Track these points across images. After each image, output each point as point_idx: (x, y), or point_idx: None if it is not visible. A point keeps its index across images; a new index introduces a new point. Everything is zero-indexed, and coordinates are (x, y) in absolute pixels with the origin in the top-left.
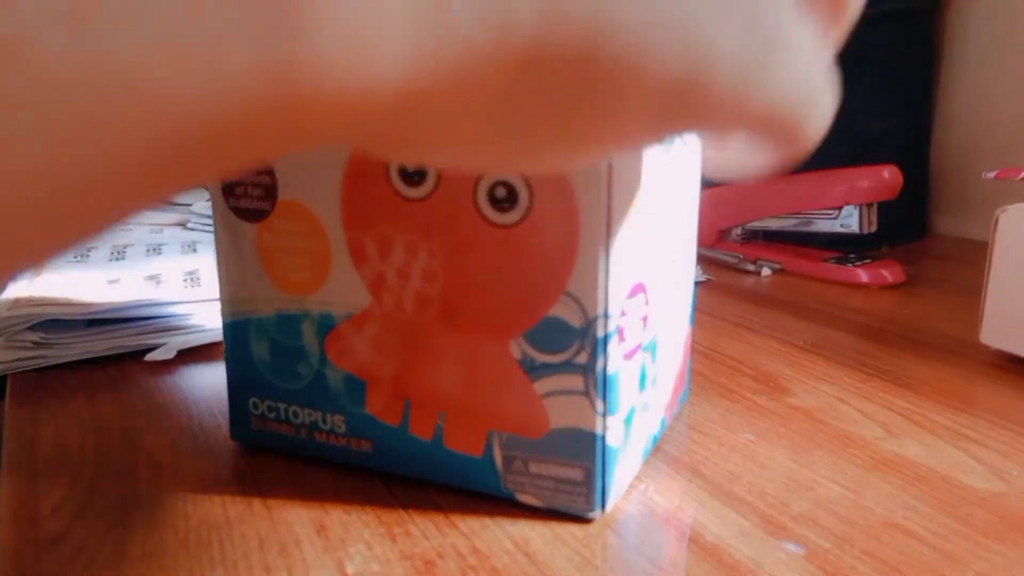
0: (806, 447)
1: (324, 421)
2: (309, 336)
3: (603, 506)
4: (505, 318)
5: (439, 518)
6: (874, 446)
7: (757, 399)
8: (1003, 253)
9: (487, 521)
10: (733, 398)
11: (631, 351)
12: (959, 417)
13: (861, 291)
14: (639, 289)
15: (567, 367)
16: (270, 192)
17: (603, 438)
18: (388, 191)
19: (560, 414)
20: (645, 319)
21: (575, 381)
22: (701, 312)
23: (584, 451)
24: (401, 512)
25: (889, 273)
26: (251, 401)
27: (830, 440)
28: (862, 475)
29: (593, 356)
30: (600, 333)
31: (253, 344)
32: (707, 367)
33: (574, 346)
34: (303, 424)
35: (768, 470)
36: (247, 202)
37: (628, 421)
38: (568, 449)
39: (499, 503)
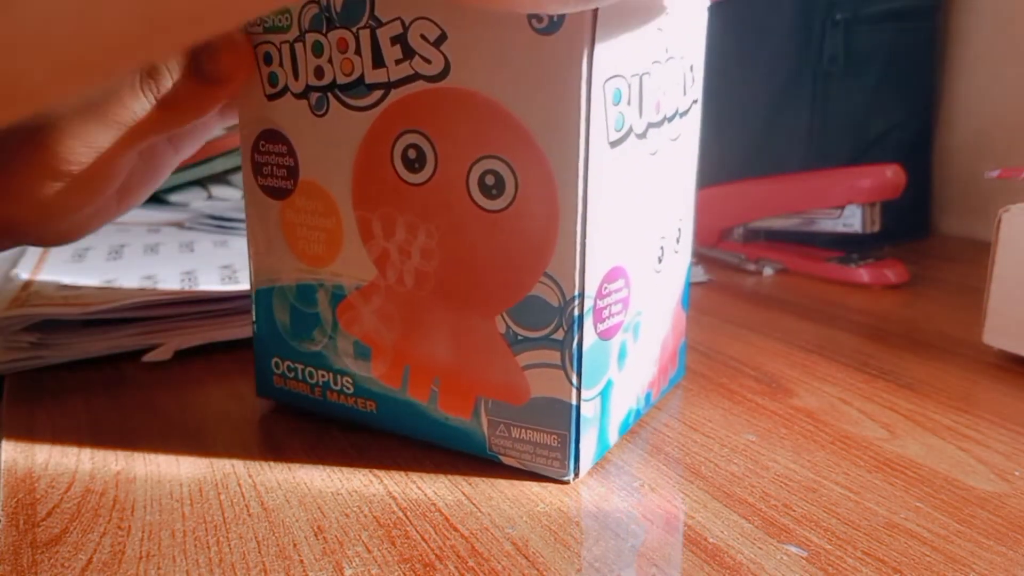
0: (808, 448)
1: (335, 382)
2: (323, 304)
3: (576, 470)
4: (491, 295)
5: (438, 520)
6: (876, 447)
7: (759, 400)
8: (1006, 253)
9: (487, 524)
10: (735, 399)
11: (610, 330)
12: (961, 418)
13: (864, 291)
14: (619, 273)
15: (546, 342)
16: (292, 172)
17: (578, 408)
18: (392, 175)
19: (539, 384)
20: (625, 301)
21: (553, 355)
22: (702, 312)
23: (560, 419)
24: (400, 514)
25: (892, 273)
26: (273, 361)
27: (832, 441)
28: (864, 476)
29: (569, 333)
30: (576, 312)
31: (276, 309)
32: (708, 367)
33: (552, 323)
34: (317, 384)
35: (770, 471)
36: (273, 181)
37: (605, 394)
38: (546, 417)
39: (499, 504)
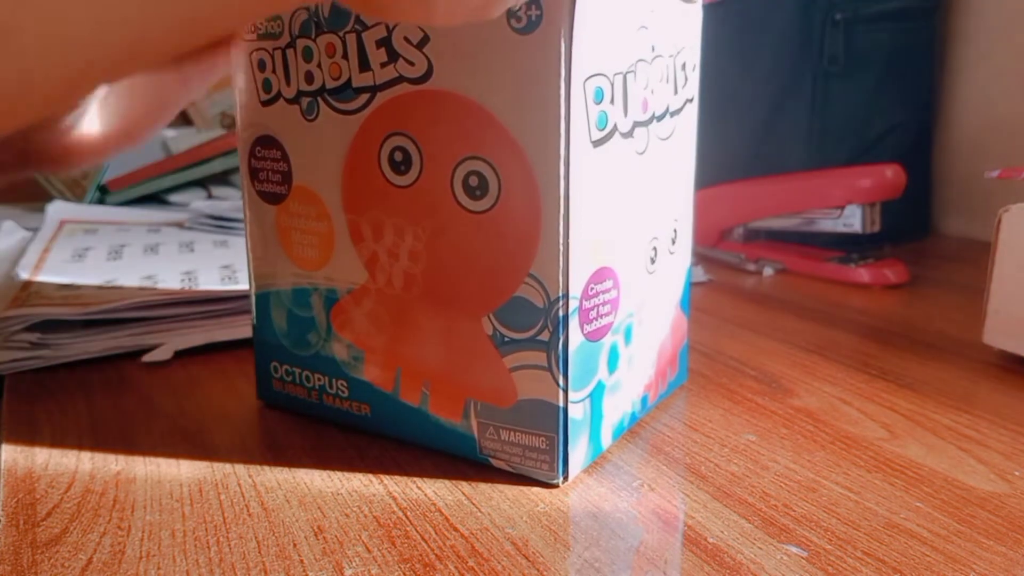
0: (808, 448)
1: (330, 385)
2: (318, 308)
3: (565, 473)
4: (477, 296)
5: (438, 520)
6: (876, 447)
7: (759, 400)
8: (1006, 253)
9: (487, 524)
10: (735, 399)
11: (598, 331)
12: (961, 418)
13: (864, 291)
14: (607, 274)
15: (532, 343)
16: (286, 177)
17: (565, 410)
18: (380, 178)
19: (527, 386)
20: (614, 303)
21: (539, 357)
22: (703, 312)
23: (547, 422)
24: (400, 514)
25: (892, 273)
26: (272, 365)
27: (832, 441)
28: (864, 476)
29: (555, 334)
30: (561, 313)
31: (273, 314)
32: (709, 367)
33: (538, 324)
34: (313, 388)
35: (770, 471)
36: (268, 186)
37: (595, 397)
38: (534, 419)
39: (499, 504)
